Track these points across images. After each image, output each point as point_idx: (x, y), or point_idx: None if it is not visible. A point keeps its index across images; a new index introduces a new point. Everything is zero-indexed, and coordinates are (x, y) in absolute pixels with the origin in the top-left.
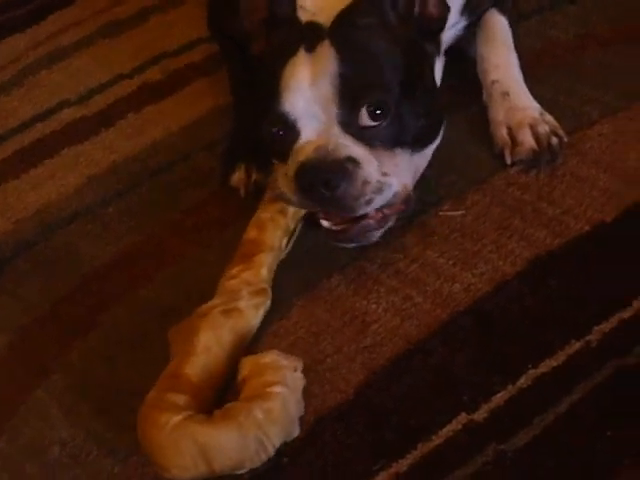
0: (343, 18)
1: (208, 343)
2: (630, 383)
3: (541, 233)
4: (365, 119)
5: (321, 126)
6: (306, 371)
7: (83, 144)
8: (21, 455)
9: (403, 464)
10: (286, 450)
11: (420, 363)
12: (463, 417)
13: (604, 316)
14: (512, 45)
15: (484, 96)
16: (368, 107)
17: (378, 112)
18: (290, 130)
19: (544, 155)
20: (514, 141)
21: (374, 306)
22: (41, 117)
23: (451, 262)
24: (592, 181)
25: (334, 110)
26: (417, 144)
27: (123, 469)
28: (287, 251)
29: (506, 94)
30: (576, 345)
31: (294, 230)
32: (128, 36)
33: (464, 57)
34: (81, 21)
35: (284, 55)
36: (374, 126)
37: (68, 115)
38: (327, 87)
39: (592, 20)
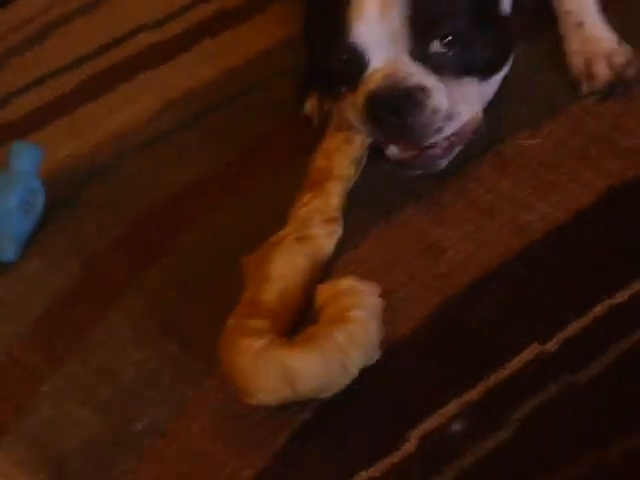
0: None
1: (283, 270)
2: None
3: (615, 164)
4: (435, 47)
5: (390, 55)
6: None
7: (159, 69)
8: (94, 377)
9: (474, 393)
10: (357, 379)
11: (495, 290)
12: (535, 347)
13: None
14: None
15: (559, 26)
16: (439, 37)
17: (448, 41)
18: (359, 59)
19: (620, 86)
20: (589, 72)
21: (449, 233)
22: (117, 42)
23: (527, 192)
24: None
25: (404, 40)
26: (485, 72)
27: (197, 392)
28: (354, 179)
29: (581, 24)
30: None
31: (361, 158)
32: None
33: None
34: None
35: None
36: (444, 54)
37: (144, 40)
38: (397, 17)
39: None
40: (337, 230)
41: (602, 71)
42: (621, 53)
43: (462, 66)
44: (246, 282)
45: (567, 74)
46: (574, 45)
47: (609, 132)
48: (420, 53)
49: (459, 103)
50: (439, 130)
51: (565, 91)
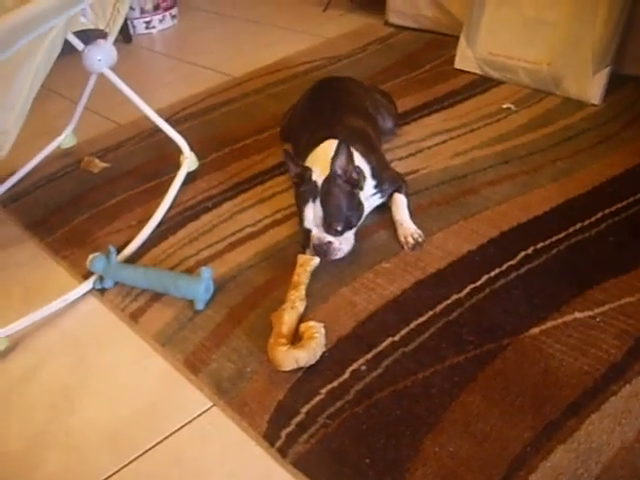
0: (324, 183)
1: (288, 319)
2: None
3: None
4: (334, 228)
5: (318, 230)
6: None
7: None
8: None
9: None
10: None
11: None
12: None
13: None
14: (406, 206)
15: (394, 221)
16: (334, 225)
17: (339, 226)
18: (307, 233)
19: (416, 246)
20: (405, 240)
21: None
22: (232, 234)
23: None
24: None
25: (321, 226)
26: (352, 228)
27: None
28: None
29: (401, 223)
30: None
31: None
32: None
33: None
34: (266, 190)
35: (305, 200)
36: (337, 229)
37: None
38: (319, 217)
39: (436, 196)
40: (304, 303)
41: (410, 240)
42: (417, 233)
43: (345, 230)
44: (273, 324)
45: (397, 241)
46: (400, 230)
47: None
48: (329, 230)
49: (343, 243)
50: (337, 254)
51: (394, 248)
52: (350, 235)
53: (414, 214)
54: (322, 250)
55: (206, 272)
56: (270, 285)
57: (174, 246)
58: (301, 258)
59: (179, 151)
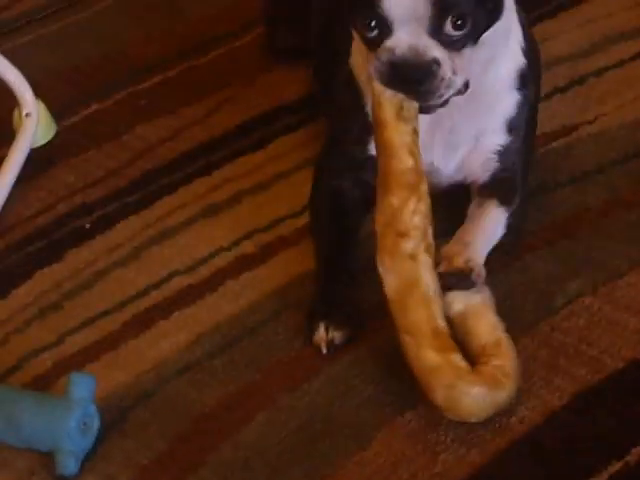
0: None
1: (433, 287)
2: None
3: (582, 370)
4: (448, 28)
5: (412, 29)
6: None
7: (191, 307)
8: None
9: None
10: None
11: None
12: None
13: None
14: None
15: None
16: (452, 19)
17: (459, 23)
18: (384, 27)
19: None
20: None
21: (443, 437)
22: (155, 286)
23: None
24: (624, 324)
25: (424, 19)
26: (478, 39)
27: None
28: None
29: None
30: (617, 465)
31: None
32: (225, 216)
33: None
34: (183, 206)
35: None
36: (453, 34)
37: (178, 284)
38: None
39: (618, 186)
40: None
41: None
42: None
43: (465, 43)
44: (392, 290)
45: (534, 297)
46: None
47: (575, 344)
48: (435, 31)
49: (457, 73)
50: (441, 96)
51: (534, 310)
52: (468, 57)
53: None
54: (413, 76)
55: (81, 386)
56: (246, 404)
57: (6, 322)
58: (382, 93)
59: (13, 101)
